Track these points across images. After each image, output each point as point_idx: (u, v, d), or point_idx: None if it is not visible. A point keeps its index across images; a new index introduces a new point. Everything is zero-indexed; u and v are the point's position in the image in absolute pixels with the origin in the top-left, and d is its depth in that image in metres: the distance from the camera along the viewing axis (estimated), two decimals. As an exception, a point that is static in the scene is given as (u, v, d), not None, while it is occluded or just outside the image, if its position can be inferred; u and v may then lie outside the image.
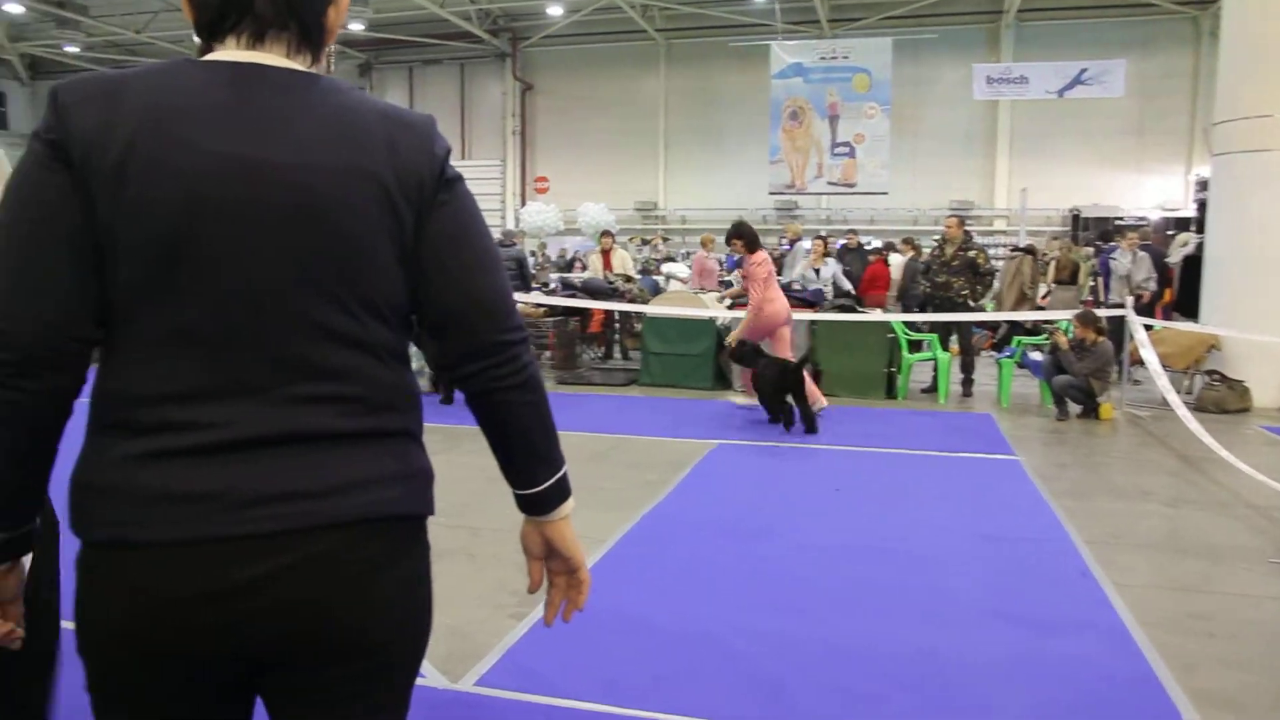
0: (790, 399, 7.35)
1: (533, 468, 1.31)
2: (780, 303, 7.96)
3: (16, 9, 21.33)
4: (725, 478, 5.97)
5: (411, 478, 1.23)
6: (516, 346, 1.26)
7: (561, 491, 1.33)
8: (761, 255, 7.99)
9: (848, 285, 11.20)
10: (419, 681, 2.95)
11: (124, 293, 1.10)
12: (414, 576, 1.24)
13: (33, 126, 1.46)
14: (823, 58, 20.51)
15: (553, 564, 1.38)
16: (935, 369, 9.30)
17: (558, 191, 24.27)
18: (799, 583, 3.98)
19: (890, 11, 21.62)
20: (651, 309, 9.64)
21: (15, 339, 1.06)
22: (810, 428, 7.26)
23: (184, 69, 1.14)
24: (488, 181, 25.68)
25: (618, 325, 11.05)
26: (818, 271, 10.97)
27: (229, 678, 1.17)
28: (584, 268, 16.65)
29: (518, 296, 10.74)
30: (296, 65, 1.19)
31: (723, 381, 9.49)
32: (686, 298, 9.97)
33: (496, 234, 18.74)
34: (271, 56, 1.17)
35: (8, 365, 1.06)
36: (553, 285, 12.39)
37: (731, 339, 7.91)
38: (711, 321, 9.46)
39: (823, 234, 14.11)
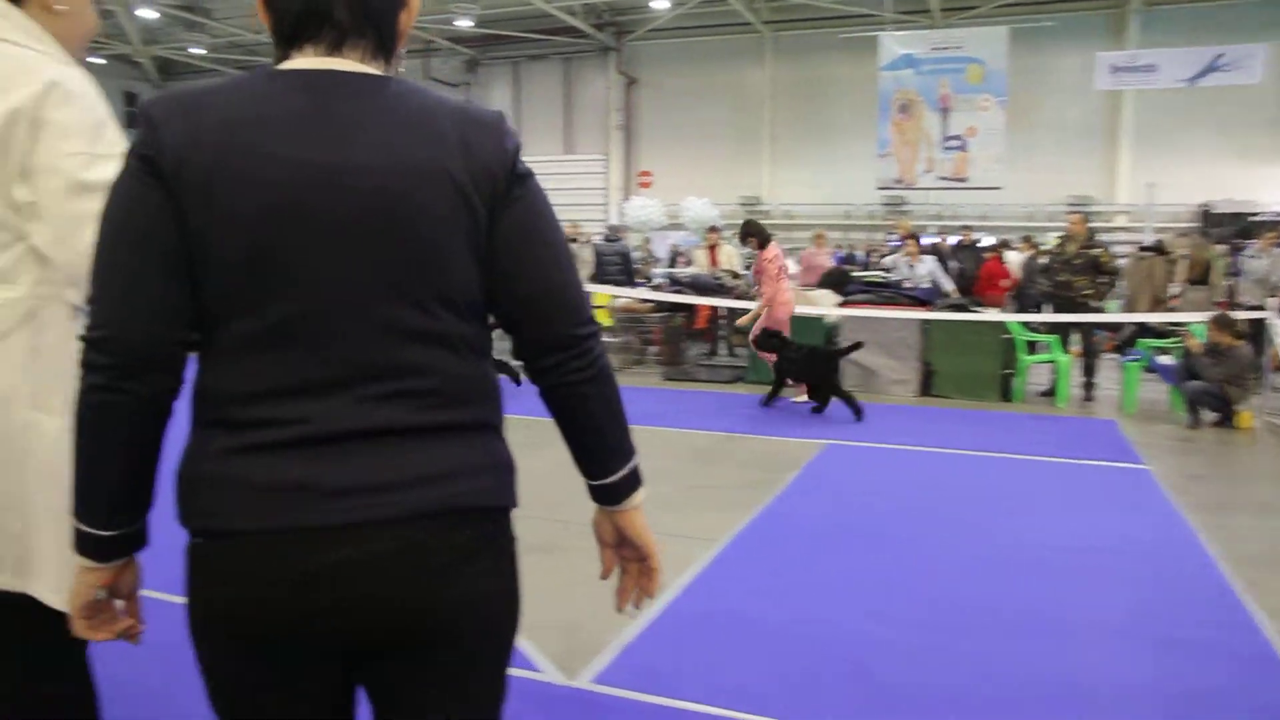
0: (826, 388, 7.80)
1: (605, 458, 1.34)
2: (789, 295, 8.46)
3: (150, 14, 22.44)
4: (838, 479, 5.87)
5: (492, 469, 1.25)
6: (589, 340, 1.28)
7: (633, 481, 1.36)
8: (773, 251, 8.40)
9: (948, 285, 10.82)
10: (536, 676, 3.02)
11: (215, 299, 1.15)
12: (498, 567, 1.27)
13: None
14: (935, 48, 19.99)
15: (624, 551, 1.41)
16: (1054, 371, 8.97)
17: (661, 186, 24.28)
18: (919, 592, 3.88)
19: (1006, -1, 20.92)
20: (756, 304, 9.52)
21: (117, 345, 1.13)
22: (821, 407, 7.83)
23: (263, 80, 1.18)
24: (590, 176, 25.85)
25: (723, 322, 10.98)
26: (912, 268, 10.69)
27: (326, 665, 1.22)
28: (688, 263, 16.64)
29: (623, 292, 10.80)
30: (371, 69, 1.21)
31: (830, 380, 9.34)
32: (794, 295, 9.83)
33: (601, 230, 18.92)
34: (347, 62, 1.20)
35: (111, 369, 1.13)
36: (656, 280, 12.41)
37: (753, 332, 8.32)
38: (820, 320, 9.32)
39: (915, 232, 13.70)
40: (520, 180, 1.24)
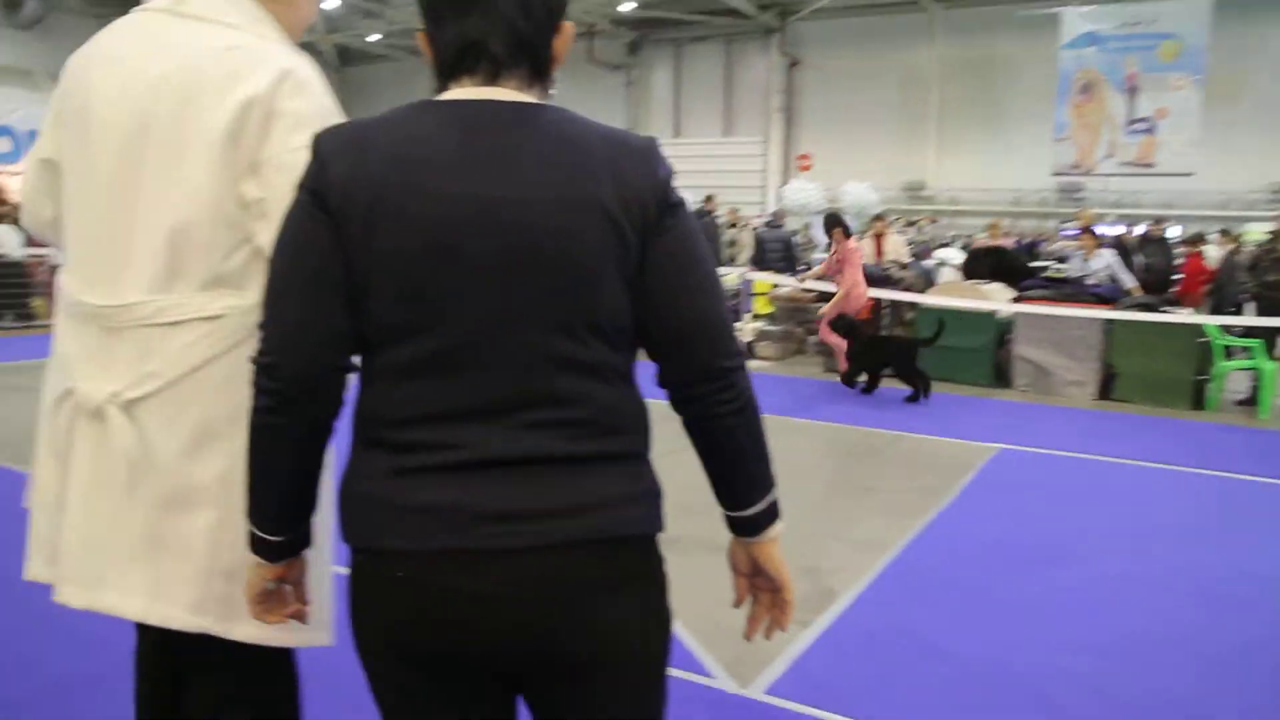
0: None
1: (746, 490, 1.33)
2: (864, 285, 8.87)
3: (333, 2, 23.60)
4: (1013, 489, 5.59)
5: (641, 498, 1.26)
6: (737, 372, 1.27)
7: (772, 513, 1.34)
8: (855, 242, 9.13)
9: (1129, 281, 10.06)
10: (708, 682, 2.99)
11: (375, 327, 1.19)
12: (647, 595, 1.29)
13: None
14: (1124, 24, 18.72)
15: (758, 581, 1.40)
16: (1256, 379, 8.28)
17: (821, 170, 23.80)
18: (1105, 620, 3.64)
19: (1211, -33, 19.32)
20: (928, 299, 9.22)
21: (285, 371, 1.19)
22: (918, 394, 8.08)
23: (422, 113, 1.22)
24: (749, 159, 25.63)
25: (887, 313, 10.66)
26: (1085, 262, 9.99)
27: (486, 684, 1.27)
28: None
29: (784, 279, 10.63)
30: (528, 98, 1.23)
31: (1002, 379, 8.95)
32: (965, 288, 9.45)
33: (762, 214, 18.64)
34: (504, 92, 1.22)
35: (277, 394, 1.19)
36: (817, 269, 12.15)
37: (826, 314, 8.72)
38: (991, 315, 8.93)
39: (1090, 224, 12.84)
40: (672, 209, 1.24)
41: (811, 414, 7.38)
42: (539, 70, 1.26)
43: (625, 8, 22.97)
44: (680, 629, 3.20)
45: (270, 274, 1.23)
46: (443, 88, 1.25)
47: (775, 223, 12.81)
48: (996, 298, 9.13)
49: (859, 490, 5.37)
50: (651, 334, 1.26)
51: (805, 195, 20.82)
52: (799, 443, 6.44)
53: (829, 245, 9.42)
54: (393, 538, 1.19)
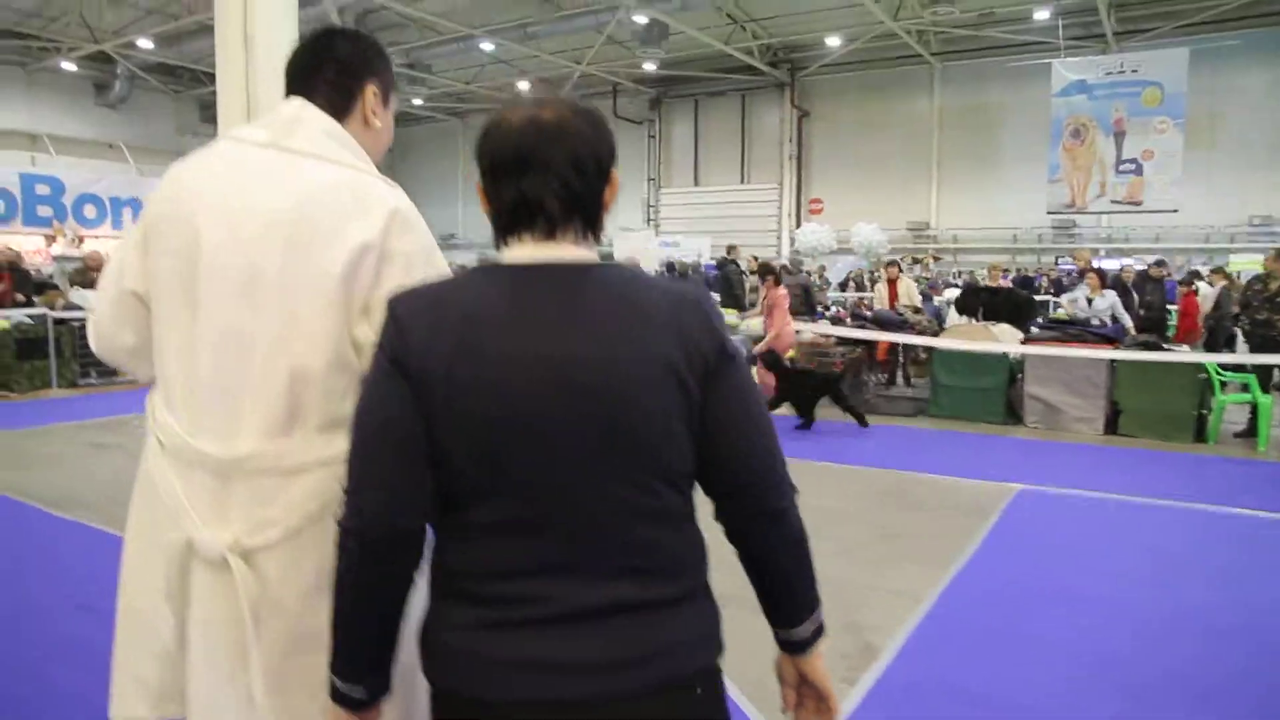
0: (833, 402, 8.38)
1: (793, 612, 1.32)
2: (791, 327, 9.12)
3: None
4: (1038, 530, 5.45)
5: (711, 631, 1.26)
6: (793, 509, 1.27)
7: (818, 633, 1.34)
8: (783, 290, 9.20)
9: (1127, 320, 9.91)
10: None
11: (456, 487, 1.17)
12: (718, 714, 1.28)
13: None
14: (1109, 73, 18.60)
15: (804, 690, 1.38)
16: (1253, 411, 8.10)
17: (831, 213, 23.79)
18: (1140, 666, 3.53)
19: (1186, 19, 19.21)
20: (942, 343, 9.12)
21: (370, 533, 1.17)
22: (861, 422, 8.35)
23: (491, 278, 1.20)
24: (764, 205, 25.65)
25: (901, 351, 10.57)
26: (1090, 302, 9.88)
27: None
28: (858, 287, 16.15)
29: (805, 326, 10.57)
30: (585, 252, 1.23)
31: (1014, 416, 8.81)
32: (977, 330, 9.34)
33: (779, 258, 18.58)
34: (562, 248, 1.21)
35: (360, 550, 1.17)
36: (832, 310, 12.10)
37: (759, 352, 8.74)
38: (1004, 356, 8.81)
39: (1090, 260, 12.71)
40: (730, 359, 1.23)
41: (834, 458, 7.28)
42: (591, 223, 1.24)
43: (647, 67, 23.11)
44: (730, 686, 3.14)
45: (355, 438, 1.20)
46: (501, 241, 1.23)
47: (793, 269, 12.73)
48: (1006, 339, 9.01)
49: (888, 536, 5.27)
50: (711, 478, 1.25)
51: (817, 237, 20.81)
52: (825, 486, 6.34)
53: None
54: (478, 688, 1.16)
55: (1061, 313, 9.90)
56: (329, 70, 1.57)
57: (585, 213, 1.23)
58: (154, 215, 1.53)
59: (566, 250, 1.21)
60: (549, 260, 1.20)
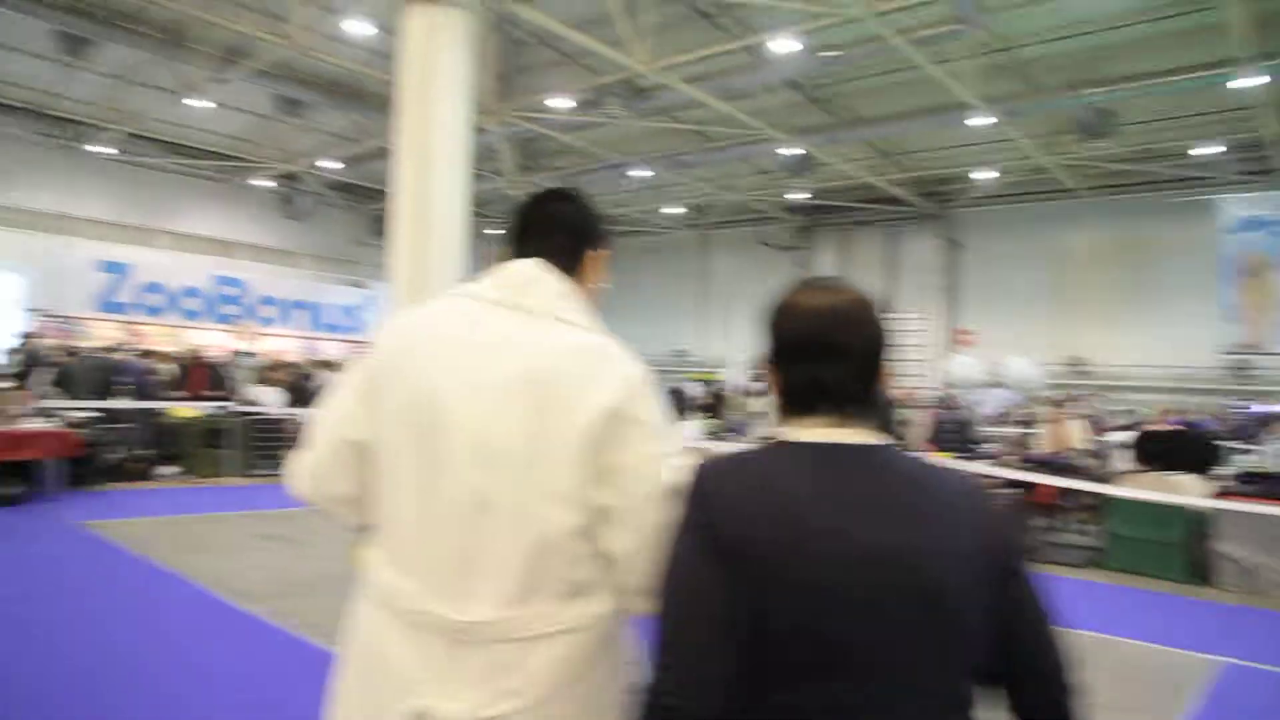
0: None
1: None
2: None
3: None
4: (1249, 716, 4.89)
5: None
6: (1076, 699, 1.27)
7: None
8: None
9: None
10: None
11: (769, 666, 1.15)
12: None
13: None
14: (1284, 208, 17.65)
15: None
16: None
17: (982, 345, 23.12)
18: None
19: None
20: (1117, 491, 8.54)
21: (683, 713, 1.15)
22: None
23: (788, 454, 1.23)
24: (911, 334, 25.24)
25: (1070, 497, 9.94)
26: None
27: None
28: (1018, 424, 15.40)
29: (972, 467, 10.15)
30: (872, 437, 1.26)
31: (1199, 575, 8.06)
32: (1155, 479, 8.72)
33: (921, 386, 18.11)
34: (852, 432, 1.24)
35: None
36: (987, 447, 11.60)
37: None
38: (1180, 510, 8.13)
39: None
40: (1023, 554, 1.26)
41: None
42: (867, 410, 1.29)
43: (799, 197, 23.57)
44: None
45: (666, 613, 1.21)
46: (785, 419, 1.28)
47: (950, 404, 12.36)
48: (1189, 490, 8.34)
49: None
50: (1012, 670, 1.26)
51: (968, 370, 20.19)
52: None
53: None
54: None
55: (1254, 462, 9.12)
56: (560, 234, 1.61)
57: (867, 402, 1.28)
58: (379, 367, 1.52)
59: (859, 433, 1.26)
60: (844, 442, 1.24)
